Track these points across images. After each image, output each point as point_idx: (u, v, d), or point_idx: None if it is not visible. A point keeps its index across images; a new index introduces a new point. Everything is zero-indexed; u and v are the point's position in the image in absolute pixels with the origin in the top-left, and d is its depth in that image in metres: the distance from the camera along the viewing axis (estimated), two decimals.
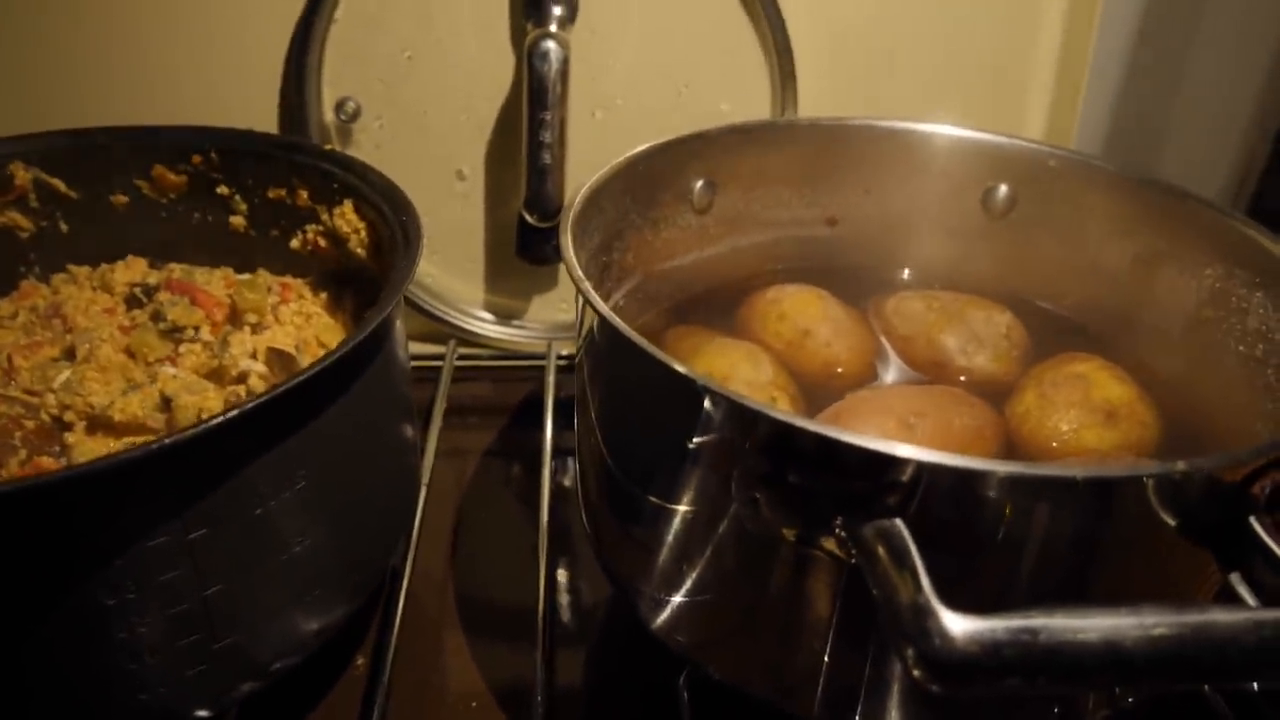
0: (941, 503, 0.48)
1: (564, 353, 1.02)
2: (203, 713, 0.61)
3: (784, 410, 0.51)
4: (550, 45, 0.87)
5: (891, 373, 0.81)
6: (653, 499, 0.62)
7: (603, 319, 0.58)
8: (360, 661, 0.77)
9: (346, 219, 0.77)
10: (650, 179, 0.78)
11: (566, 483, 0.89)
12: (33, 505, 0.49)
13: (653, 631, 0.67)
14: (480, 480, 0.94)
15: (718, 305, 0.85)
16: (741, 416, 0.51)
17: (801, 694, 0.62)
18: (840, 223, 0.89)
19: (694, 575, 0.63)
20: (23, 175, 0.80)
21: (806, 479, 0.50)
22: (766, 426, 0.50)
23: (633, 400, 0.61)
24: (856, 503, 0.48)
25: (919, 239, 0.88)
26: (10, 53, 0.95)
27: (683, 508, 0.61)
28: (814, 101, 1.00)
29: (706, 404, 0.53)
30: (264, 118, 0.98)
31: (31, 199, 0.81)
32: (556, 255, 0.99)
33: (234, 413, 0.51)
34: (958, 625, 0.42)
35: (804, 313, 0.82)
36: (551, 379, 0.97)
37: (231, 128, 0.83)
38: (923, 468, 0.47)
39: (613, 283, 0.79)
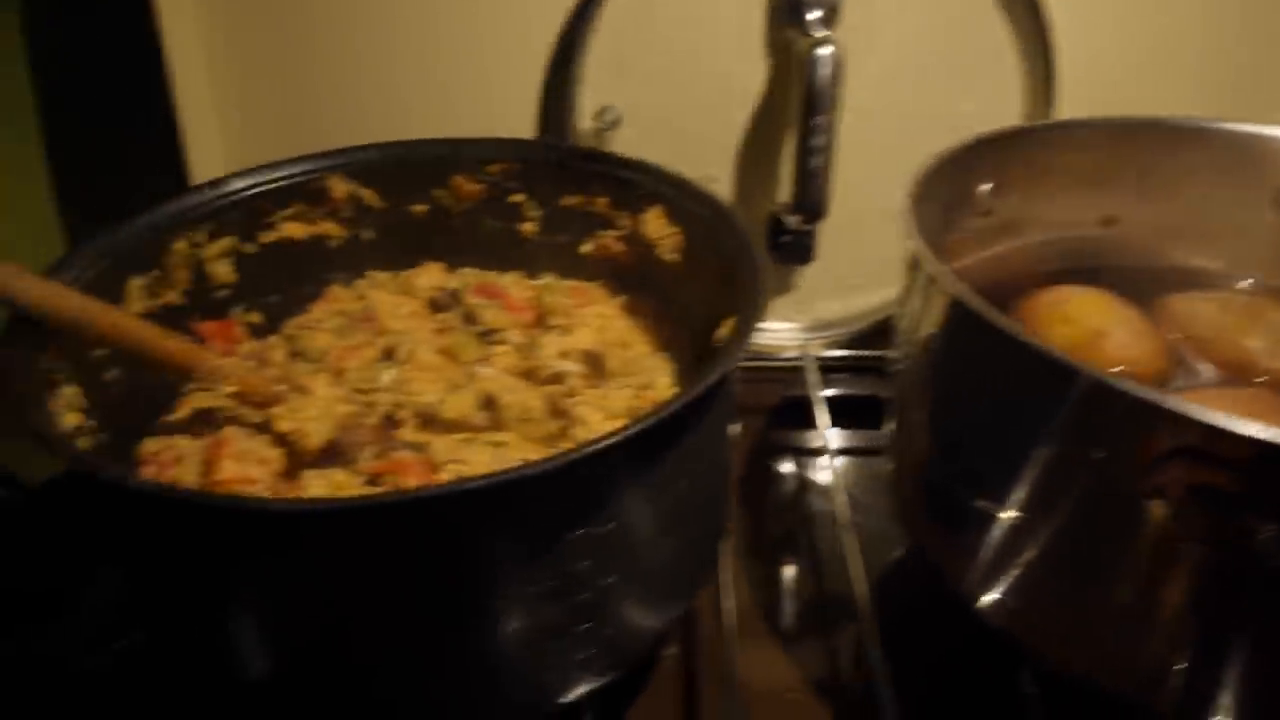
0: None
1: (823, 353, 1.04)
2: (578, 694, 0.64)
3: (1223, 415, 0.51)
4: (827, 51, 0.88)
5: (1186, 376, 0.81)
6: (1015, 494, 0.63)
7: (978, 313, 0.59)
8: (671, 651, 0.79)
9: (654, 225, 0.79)
10: (951, 182, 0.78)
11: (850, 479, 0.90)
12: (489, 501, 0.52)
13: (993, 627, 0.68)
14: (754, 478, 0.96)
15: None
16: (1176, 423, 0.52)
17: (1159, 691, 0.62)
18: (1118, 222, 0.89)
19: (1054, 572, 0.64)
20: (340, 188, 0.84)
21: (1241, 483, 0.51)
22: (1199, 432, 0.51)
23: (1009, 396, 0.63)
24: None
25: (1201, 238, 0.87)
26: (283, 68, 0.99)
27: (1050, 500, 0.62)
28: (1068, 103, 1.00)
29: (1119, 406, 0.54)
30: (521, 125, 1.02)
31: (345, 209, 0.85)
32: (809, 256, 1.01)
33: (660, 416, 0.53)
34: None
35: (1095, 314, 0.81)
36: (815, 378, 0.98)
37: (528, 139, 0.86)
38: None
39: None
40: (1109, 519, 0.61)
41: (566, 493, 0.54)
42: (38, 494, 1.24)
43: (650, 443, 0.55)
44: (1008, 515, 0.66)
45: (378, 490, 0.65)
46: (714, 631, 0.80)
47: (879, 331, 1.11)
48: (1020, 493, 0.64)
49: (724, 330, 0.65)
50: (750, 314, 0.60)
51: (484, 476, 0.49)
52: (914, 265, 0.73)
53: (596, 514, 0.56)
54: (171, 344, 0.67)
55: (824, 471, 0.99)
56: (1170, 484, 0.54)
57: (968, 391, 0.69)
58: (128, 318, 0.67)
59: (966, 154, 0.80)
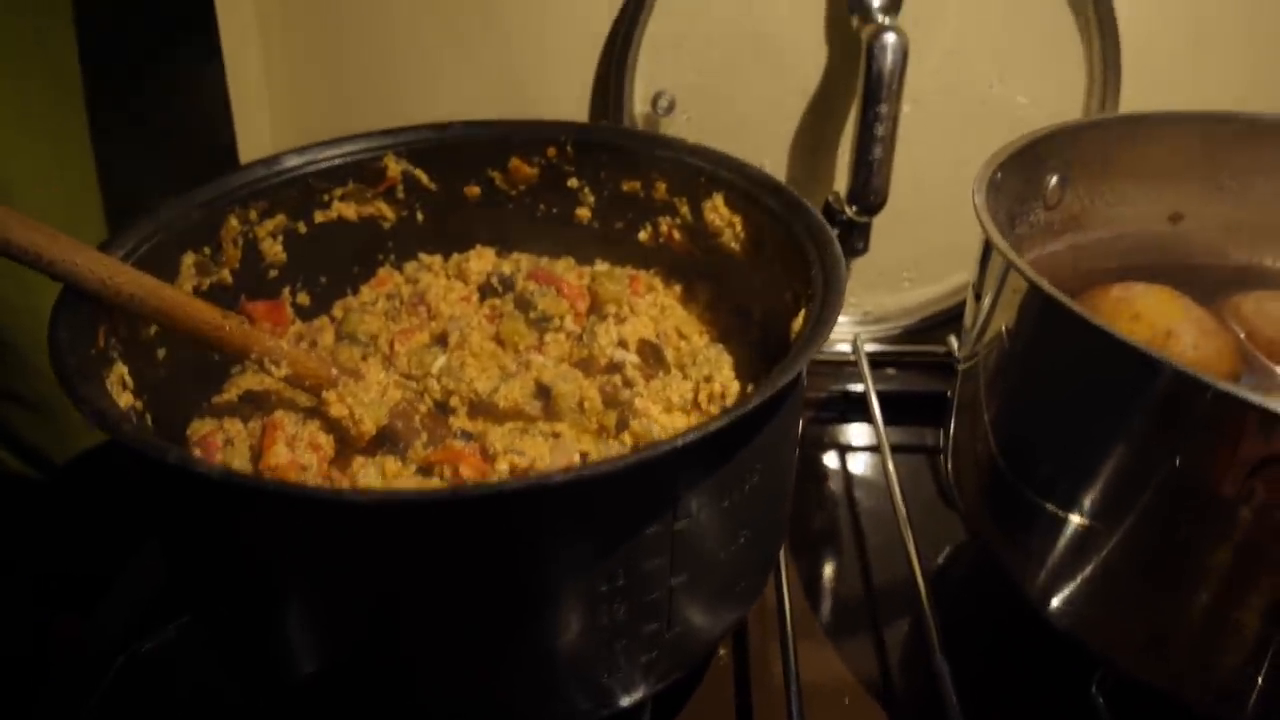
0: None
1: (873, 348, 1.02)
2: (639, 696, 0.62)
3: None
4: (891, 38, 0.86)
5: (1257, 376, 0.79)
6: (1089, 495, 0.62)
7: (1058, 303, 0.59)
8: (722, 652, 0.78)
9: (719, 212, 0.77)
10: (1020, 174, 0.77)
11: (903, 475, 0.88)
12: (567, 497, 0.50)
13: (1060, 631, 0.67)
14: (800, 474, 0.94)
15: None
16: (1266, 421, 0.51)
17: (1240, 706, 0.61)
18: (1184, 218, 0.87)
19: (1129, 577, 0.62)
20: (394, 168, 0.82)
21: None
22: None
23: (1087, 390, 0.61)
24: None
25: (1271, 236, 0.85)
26: (336, 48, 0.98)
27: (1128, 501, 0.60)
28: (1130, 96, 0.98)
29: (1205, 402, 0.52)
30: (575, 110, 1.00)
31: (399, 190, 0.83)
32: (865, 248, 0.99)
33: (741, 412, 0.52)
34: None
35: (1164, 312, 0.79)
36: (867, 371, 0.96)
37: (587, 123, 0.84)
38: None
39: None
40: (1190, 522, 0.59)
41: (643, 489, 0.52)
42: (67, 471, 1.23)
43: (729, 439, 0.54)
44: (1081, 516, 0.64)
45: (461, 484, 0.64)
46: (763, 630, 0.78)
47: (926, 326, 1.09)
48: (1095, 493, 0.63)
49: (798, 323, 0.63)
50: (830, 308, 0.59)
51: (565, 472, 0.48)
52: (987, 256, 0.71)
53: (671, 511, 0.54)
54: (229, 324, 0.66)
55: (875, 467, 0.97)
56: (1257, 485, 0.52)
57: (1043, 386, 0.67)
58: (185, 295, 0.65)
59: (1037, 145, 0.78)
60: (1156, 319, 0.79)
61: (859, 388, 1.00)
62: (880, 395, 0.96)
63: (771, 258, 0.74)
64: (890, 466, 0.85)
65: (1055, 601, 0.67)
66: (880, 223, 1.00)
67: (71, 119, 1.09)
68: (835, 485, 0.96)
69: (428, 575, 0.52)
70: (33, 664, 1.05)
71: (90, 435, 1.23)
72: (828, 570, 0.88)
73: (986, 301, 0.70)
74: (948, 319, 1.07)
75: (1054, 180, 0.81)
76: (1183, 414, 0.56)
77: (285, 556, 0.53)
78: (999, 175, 0.72)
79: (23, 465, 1.22)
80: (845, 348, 1.03)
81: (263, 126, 0.97)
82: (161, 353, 0.70)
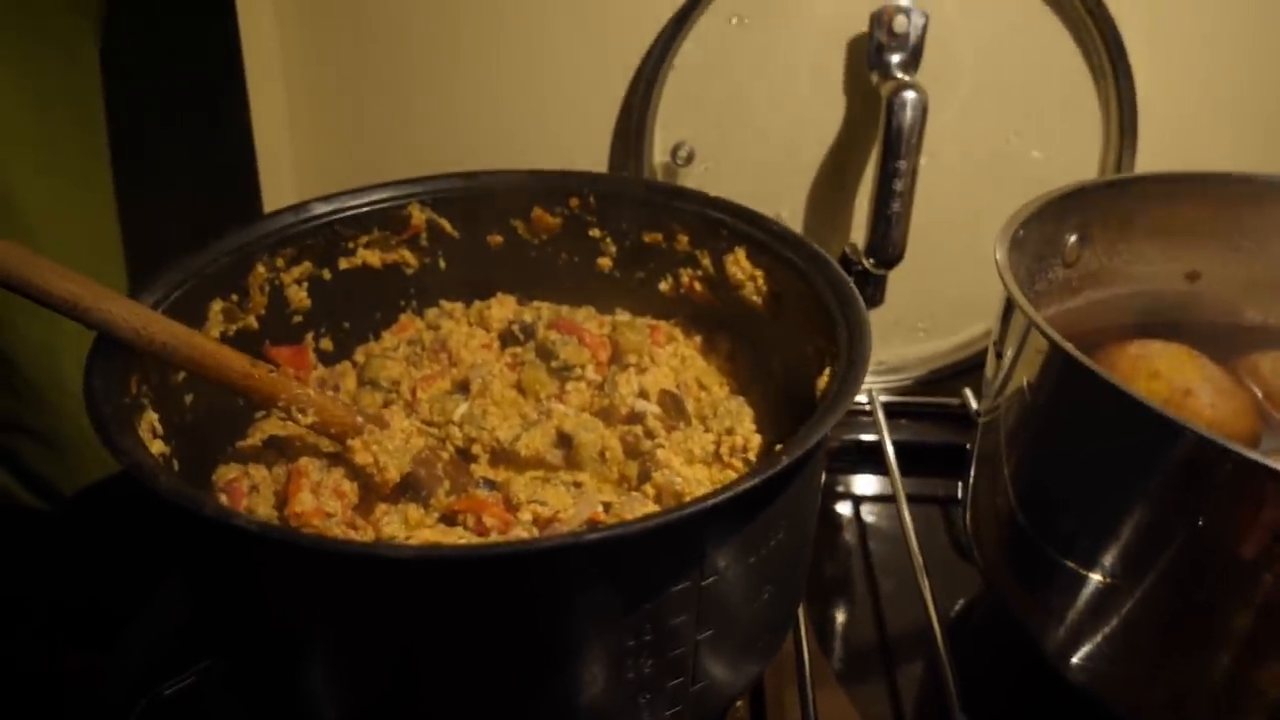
0: None
1: (885, 398, 1.03)
2: None
3: None
4: (911, 95, 0.88)
5: (1275, 434, 0.80)
6: (1108, 554, 0.62)
7: (1079, 363, 0.60)
8: (739, 704, 0.78)
9: (740, 265, 0.78)
10: (1040, 231, 0.77)
11: (917, 525, 0.88)
12: (597, 553, 0.51)
13: (1077, 686, 0.67)
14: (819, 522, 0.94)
15: None
16: None
17: None
18: (1201, 277, 0.87)
19: (1148, 638, 0.63)
20: (419, 216, 0.83)
21: None
22: None
23: (1107, 450, 0.62)
24: None
25: None
26: (358, 97, 0.99)
27: (1147, 562, 0.61)
28: (1145, 155, 0.99)
29: (1227, 467, 0.53)
30: (594, 160, 1.01)
31: (423, 238, 0.84)
32: (880, 300, 1.00)
33: (772, 471, 0.52)
34: None
35: (1181, 371, 0.80)
36: (883, 421, 0.97)
37: (611, 174, 0.85)
38: None
39: None
40: (1211, 584, 0.60)
41: (674, 546, 0.53)
42: (76, 504, 1.23)
43: (759, 497, 0.54)
44: (1102, 573, 0.64)
45: (496, 540, 0.64)
46: (779, 678, 0.78)
47: (939, 378, 1.10)
48: (1116, 551, 0.63)
49: (823, 381, 0.64)
50: (857, 369, 0.59)
51: (600, 529, 0.48)
52: (1008, 314, 0.72)
53: (699, 567, 0.54)
54: (257, 372, 0.67)
55: (887, 516, 0.97)
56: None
57: (1064, 443, 0.67)
58: (215, 344, 0.66)
59: (1057, 204, 0.79)
60: (1174, 377, 0.80)
61: (871, 437, 1.00)
62: (894, 445, 0.97)
63: (793, 311, 0.74)
64: (906, 516, 0.85)
65: (1074, 658, 0.68)
66: (895, 273, 1.01)
67: (95, 164, 1.10)
68: (849, 534, 0.96)
69: (459, 628, 0.52)
70: (43, 702, 1.04)
71: (99, 468, 1.23)
72: (841, 618, 0.88)
73: (1008, 358, 0.71)
74: (961, 370, 1.08)
75: (1073, 239, 0.82)
76: (1204, 478, 0.56)
77: (316, 607, 0.53)
78: (1020, 233, 0.73)
79: (32, 498, 1.22)
80: (861, 398, 1.04)
81: (285, 174, 0.98)
82: (189, 398, 0.70)
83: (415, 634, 0.52)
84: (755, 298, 0.78)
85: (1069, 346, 0.61)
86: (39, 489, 1.22)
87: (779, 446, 0.55)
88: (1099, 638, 0.66)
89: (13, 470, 1.21)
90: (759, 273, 0.77)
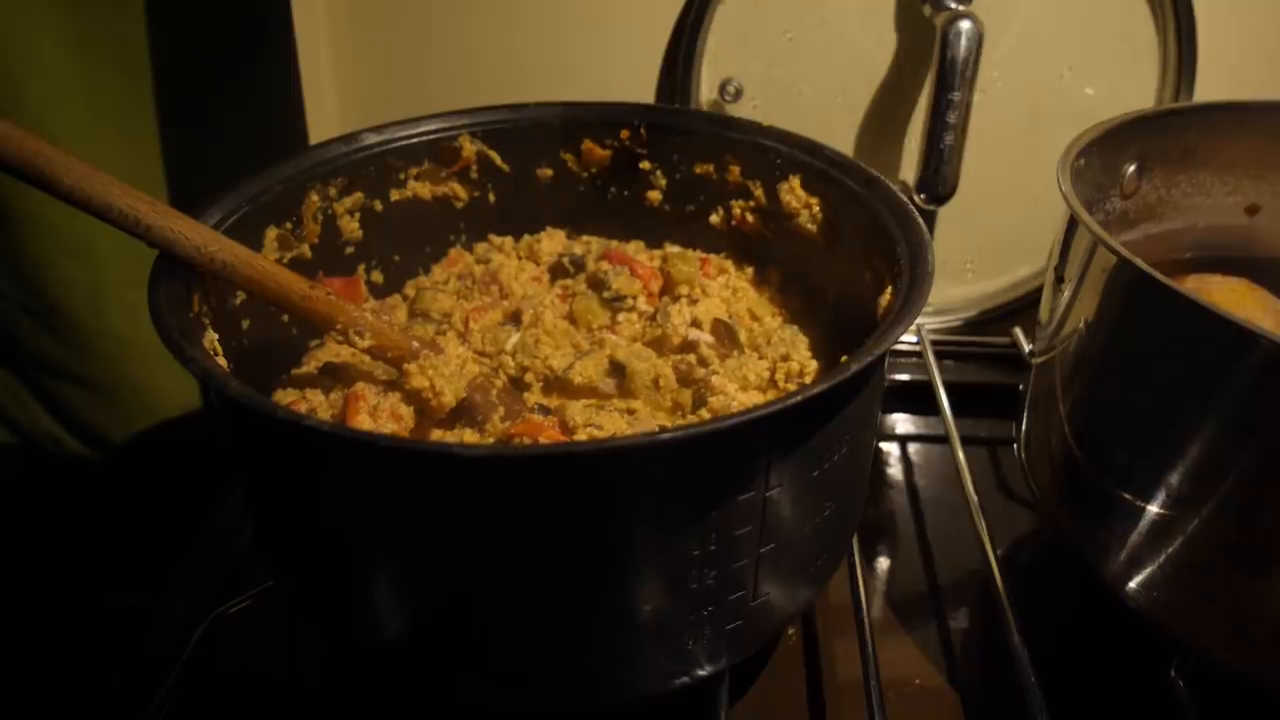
0: None
1: (937, 337, 1.02)
2: (721, 665, 0.62)
3: None
4: (966, 25, 0.86)
5: None
6: (1177, 477, 0.62)
7: (1150, 277, 0.59)
8: (791, 632, 0.78)
9: (795, 194, 0.78)
10: (1100, 160, 0.76)
11: (976, 464, 0.88)
12: (669, 458, 0.50)
13: (1141, 617, 0.66)
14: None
15: None
16: None
17: None
18: (1261, 210, 0.86)
19: (1216, 563, 0.62)
20: (469, 148, 0.83)
21: None
22: None
23: (1177, 367, 0.61)
24: None
25: None
26: (404, 28, 0.98)
27: (1215, 484, 0.60)
28: (1202, 87, 0.97)
29: None
30: (642, 96, 1.00)
31: (472, 170, 0.84)
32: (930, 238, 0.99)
33: (837, 379, 0.52)
34: None
35: (1241, 304, 0.79)
36: (933, 362, 0.96)
37: (661, 105, 0.85)
38: None
39: None
40: (1275, 506, 0.59)
41: (741, 453, 0.53)
42: (125, 452, 1.25)
43: (824, 407, 0.54)
44: (1163, 502, 0.64)
45: (575, 440, 0.64)
46: (827, 614, 0.78)
47: (987, 319, 1.09)
48: (1183, 475, 0.62)
49: (885, 298, 0.63)
50: (922, 279, 0.59)
51: (674, 430, 0.48)
52: (1070, 237, 0.71)
53: (764, 477, 0.54)
54: (316, 293, 0.67)
55: (935, 457, 0.97)
56: None
57: (1129, 368, 0.66)
58: (275, 265, 0.66)
59: (1119, 131, 0.78)
60: (1234, 310, 0.78)
61: (912, 377, 1.00)
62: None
63: (849, 238, 0.74)
64: (960, 456, 0.84)
65: (1133, 585, 0.67)
66: (942, 213, 1.00)
67: (139, 105, 1.11)
68: (896, 473, 0.96)
69: (529, 534, 0.52)
70: (98, 645, 1.06)
71: (146, 416, 1.24)
72: (891, 555, 0.88)
73: (1069, 285, 0.70)
74: (1008, 312, 1.07)
75: (1131, 169, 0.81)
76: (1276, 390, 0.55)
77: (384, 514, 0.54)
78: (1080, 161, 0.72)
79: (81, 446, 1.24)
80: (909, 337, 1.03)
81: (330, 110, 0.98)
82: (245, 324, 0.71)
83: (483, 540, 0.52)
84: (810, 226, 0.77)
85: (1138, 260, 0.60)
86: (86, 437, 1.23)
87: (845, 358, 0.54)
88: (1159, 565, 0.66)
89: (61, 418, 1.22)
90: (814, 201, 0.77)
